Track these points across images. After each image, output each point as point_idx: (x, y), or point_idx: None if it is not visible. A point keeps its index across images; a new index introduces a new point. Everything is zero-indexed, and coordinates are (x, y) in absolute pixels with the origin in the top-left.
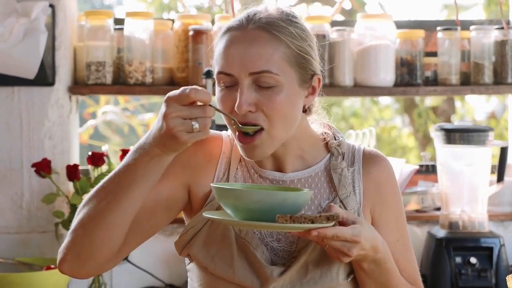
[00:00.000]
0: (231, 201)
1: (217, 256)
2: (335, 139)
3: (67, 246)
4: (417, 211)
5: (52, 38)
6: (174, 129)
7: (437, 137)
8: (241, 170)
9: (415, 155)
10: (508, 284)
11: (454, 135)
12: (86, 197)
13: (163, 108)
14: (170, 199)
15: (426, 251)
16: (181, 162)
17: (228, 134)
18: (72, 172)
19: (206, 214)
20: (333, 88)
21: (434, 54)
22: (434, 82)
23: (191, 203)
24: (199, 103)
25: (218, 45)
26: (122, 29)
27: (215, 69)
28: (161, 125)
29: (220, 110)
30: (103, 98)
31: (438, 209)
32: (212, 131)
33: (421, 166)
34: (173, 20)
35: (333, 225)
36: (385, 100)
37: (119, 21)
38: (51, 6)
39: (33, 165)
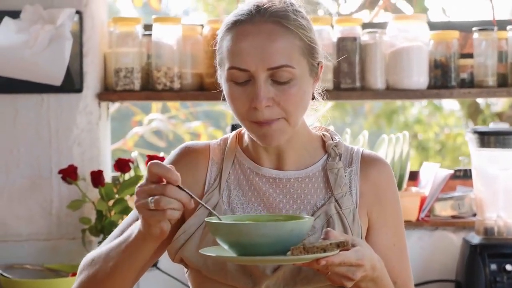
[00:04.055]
0: (234, 236)
1: (209, 258)
2: (333, 140)
3: None
4: (453, 217)
5: (79, 44)
6: (136, 202)
7: (471, 141)
8: (234, 174)
9: None
10: None
11: (489, 138)
12: (89, 256)
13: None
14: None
15: (461, 258)
16: None
17: (217, 141)
18: (97, 178)
19: (204, 252)
20: (364, 91)
21: (471, 55)
22: (470, 84)
23: (184, 216)
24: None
25: (225, 39)
26: (150, 35)
27: (225, 65)
28: None
29: (190, 193)
30: (154, 105)
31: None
32: (199, 142)
33: (459, 170)
34: (202, 25)
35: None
36: (449, 105)
37: (148, 27)
38: (79, 12)
39: (60, 172)
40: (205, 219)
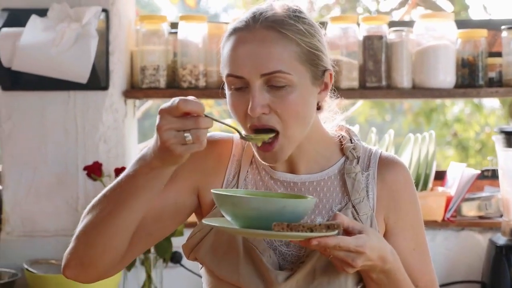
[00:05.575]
0: (229, 207)
1: (223, 260)
2: (351, 142)
3: (71, 252)
4: (480, 217)
5: (106, 42)
6: (167, 142)
7: (498, 141)
8: (252, 173)
9: None
10: None
11: None
12: (90, 203)
13: (157, 120)
14: (177, 204)
15: (487, 259)
16: (190, 166)
17: (238, 136)
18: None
19: (205, 221)
20: (390, 90)
21: (501, 54)
22: (498, 83)
23: (201, 207)
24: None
25: (225, 47)
26: (176, 33)
27: (224, 72)
28: (156, 137)
29: (217, 119)
30: None
31: None
32: (223, 134)
33: (487, 170)
34: (228, 23)
35: (337, 234)
36: (490, 104)
37: (174, 25)
38: (105, 11)
39: (85, 168)
40: (212, 190)
